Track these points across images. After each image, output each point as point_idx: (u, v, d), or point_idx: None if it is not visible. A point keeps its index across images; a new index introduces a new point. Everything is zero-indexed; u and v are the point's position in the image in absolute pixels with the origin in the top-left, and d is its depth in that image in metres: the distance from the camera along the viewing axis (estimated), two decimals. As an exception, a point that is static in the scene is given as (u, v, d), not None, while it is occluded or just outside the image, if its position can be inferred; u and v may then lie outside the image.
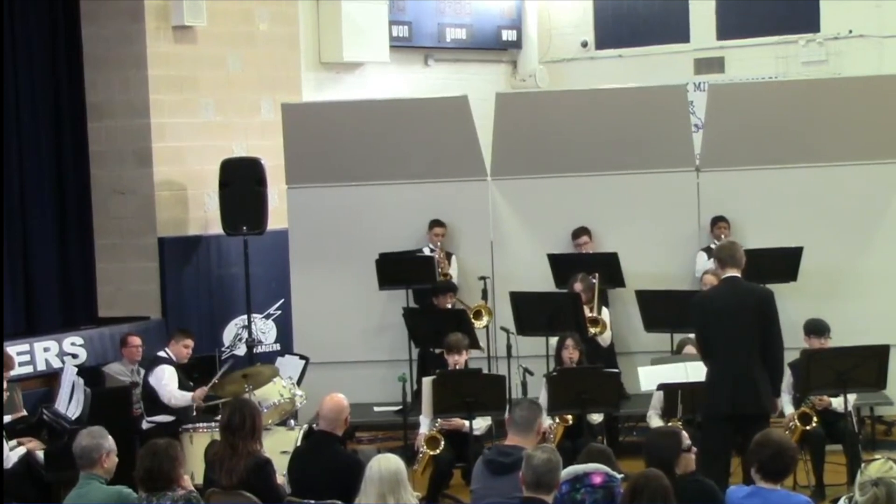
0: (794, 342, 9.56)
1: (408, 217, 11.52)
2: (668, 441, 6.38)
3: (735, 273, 8.16)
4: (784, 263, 10.62)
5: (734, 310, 8.02)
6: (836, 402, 9.06)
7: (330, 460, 6.93)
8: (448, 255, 11.54)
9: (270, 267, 12.31)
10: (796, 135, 11.15)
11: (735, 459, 7.97)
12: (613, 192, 11.43)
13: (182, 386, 10.14)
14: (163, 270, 12.06)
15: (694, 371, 8.50)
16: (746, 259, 10.79)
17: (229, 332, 12.34)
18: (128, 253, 12.13)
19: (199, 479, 7.58)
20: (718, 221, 11.22)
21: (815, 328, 9.50)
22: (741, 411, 7.89)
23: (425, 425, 9.22)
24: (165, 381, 10.02)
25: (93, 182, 12.19)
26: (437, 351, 10.34)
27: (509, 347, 10.38)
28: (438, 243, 11.45)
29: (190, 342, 10.37)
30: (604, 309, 10.45)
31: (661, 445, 6.35)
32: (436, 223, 11.49)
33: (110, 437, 6.78)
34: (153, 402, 10.06)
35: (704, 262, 11.00)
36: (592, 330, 10.10)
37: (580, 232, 11.33)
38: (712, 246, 11.19)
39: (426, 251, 11.46)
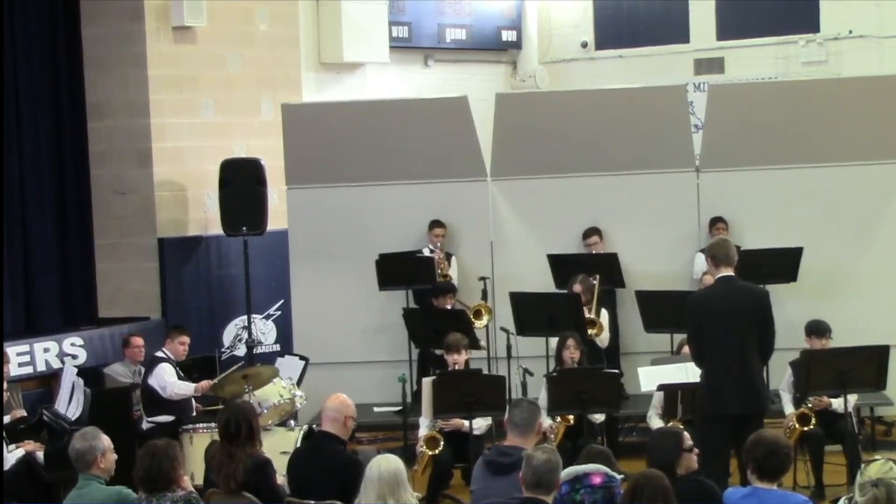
0: (794, 342, 9.57)
1: (408, 217, 11.51)
2: (671, 441, 6.38)
3: (730, 272, 8.11)
4: (784, 263, 10.63)
5: (734, 310, 7.97)
6: (837, 403, 9.05)
7: (330, 461, 6.92)
8: (448, 256, 11.53)
9: (270, 267, 12.31)
10: (796, 135, 11.14)
11: (733, 460, 7.96)
12: (613, 192, 11.43)
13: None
14: (163, 271, 12.06)
15: (694, 371, 8.48)
16: (747, 259, 10.84)
17: (229, 333, 12.35)
18: (128, 253, 12.13)
19: (199, 480, 7.59)
20: (717, 222, 11.21)
21: (816, 329, 9.49)
22: (747, 411, 7.86)
23: (425, 426, 9.21)
24: (167, 376, 10.04)
25: (93, 182, 12.19)
26: (438, 352, 10.35)
27: (509, 348, 10.37)
28: (438, 244, 11.44)
29: (186, 339, 10.38)
30: (602, 311, 10.44)
31: (663, 446, 6.34)
32: (436, 224, 11.48)
33: (105, 436, 6.75)
34: (153, 401, 10.06)
35: (703, 263, 10.97)
36: (590, 331, 10.09)
37: (591, 232, 11.31)
38: (710, 247, 11.20)
39: (426, 252, 11.46)
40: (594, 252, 11.21)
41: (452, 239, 11.63)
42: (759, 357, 8.04)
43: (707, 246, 8.36)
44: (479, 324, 10.88)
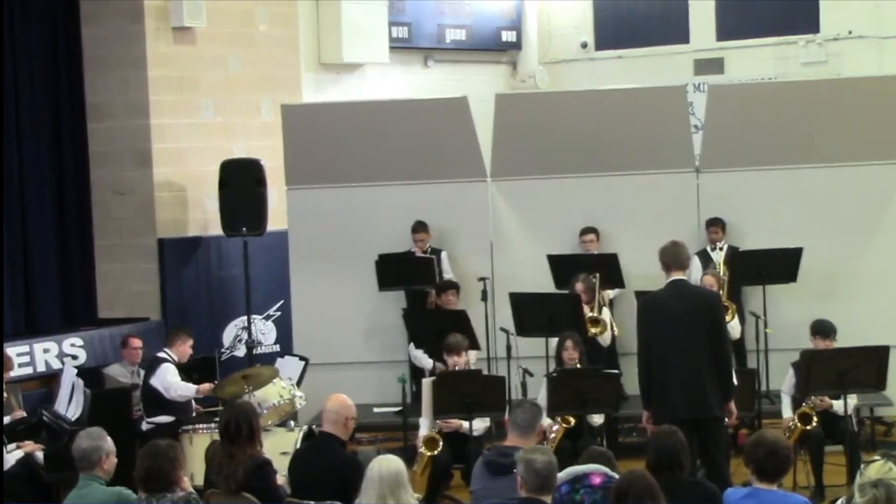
0: (794, 343, 9.58)
1: (407, 218, 11.48)
2: (674, 440, 6.35)
3: (681, 275, 8.10)
4: (784, 264, 10.62)
5: (685, 314, 7.94)
6: (837, 405, 9.04)
7: (330, 461, 6.93)
8: (436, 253, 11.44)
9: (270, 268, 12.31)
10: (796, 135, 11.14)
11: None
12: (613, 193, 11.42)
13: (183, 383, 10.19)
14: (162, 271, 12.06)
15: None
16: (747, 260, 10.83)
17: (229, 334, 12.34)
18: (127, 254, 12.13)
19: (199, 481, 7.59)
20: (711, 224, 11.19)
21: (821, 329, 9.45)
22: (694, 415, 7.81)
23: (425, 426, 9.21)
24: (170, 376, 10.05)
25: (93, 182, 12.19)
26: (427, 371, 10.40)
27: (509, 348, 10.37)
28: (427, 247, 11.38)
29: (192, 341, 10.41)
30: (604, 309, 10.44)
31: (664, 445, 6.32)
32: (418, 226, 11.42)
33: (109, 437, 6.77)
34: (153, 402, 10.06)
35: (699, 266, 10.99)
36: (593, 330, 10.09)
37: (587, 230, 11.30)
38: (707, 248, 11.19)
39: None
40: (590, 250, 11.20)
41: (452, 239, 11.61)
42: (713, 362, 7.92)
43: (659, 251, 8.29)
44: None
